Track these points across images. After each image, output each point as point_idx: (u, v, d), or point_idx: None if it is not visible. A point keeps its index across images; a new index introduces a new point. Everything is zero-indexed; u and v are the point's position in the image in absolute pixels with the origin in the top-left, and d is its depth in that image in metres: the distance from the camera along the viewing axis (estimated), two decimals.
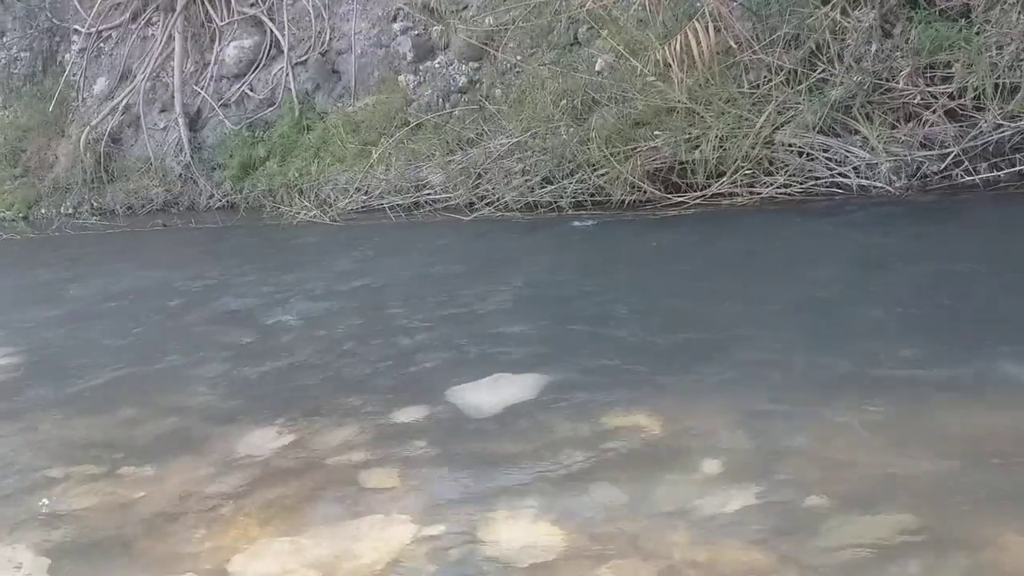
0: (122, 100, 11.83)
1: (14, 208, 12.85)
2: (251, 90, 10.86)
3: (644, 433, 3.18)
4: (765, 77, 6.44)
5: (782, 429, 3.05)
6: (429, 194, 8.29)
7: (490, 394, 3.69)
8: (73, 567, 2.87)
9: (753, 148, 6.29)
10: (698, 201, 6.50)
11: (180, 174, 10.95)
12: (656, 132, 6.76)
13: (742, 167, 6.34)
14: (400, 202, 8.40)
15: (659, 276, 5.33)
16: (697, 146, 6.52)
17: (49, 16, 13.34)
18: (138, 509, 3.15)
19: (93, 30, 12.61)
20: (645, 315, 4.57)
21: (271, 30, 10.78)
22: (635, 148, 6.79)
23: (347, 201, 8.84)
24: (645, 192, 6.74)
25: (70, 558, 2.91)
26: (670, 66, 6.53)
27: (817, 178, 6.19)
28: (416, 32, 9.64)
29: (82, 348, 5.45)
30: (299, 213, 8.94)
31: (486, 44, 8.75)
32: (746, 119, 6.36)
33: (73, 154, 11.99)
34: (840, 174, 6.12)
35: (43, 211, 12.38)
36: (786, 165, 6.28)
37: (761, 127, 6.28)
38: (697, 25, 6.35)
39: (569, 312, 4.80)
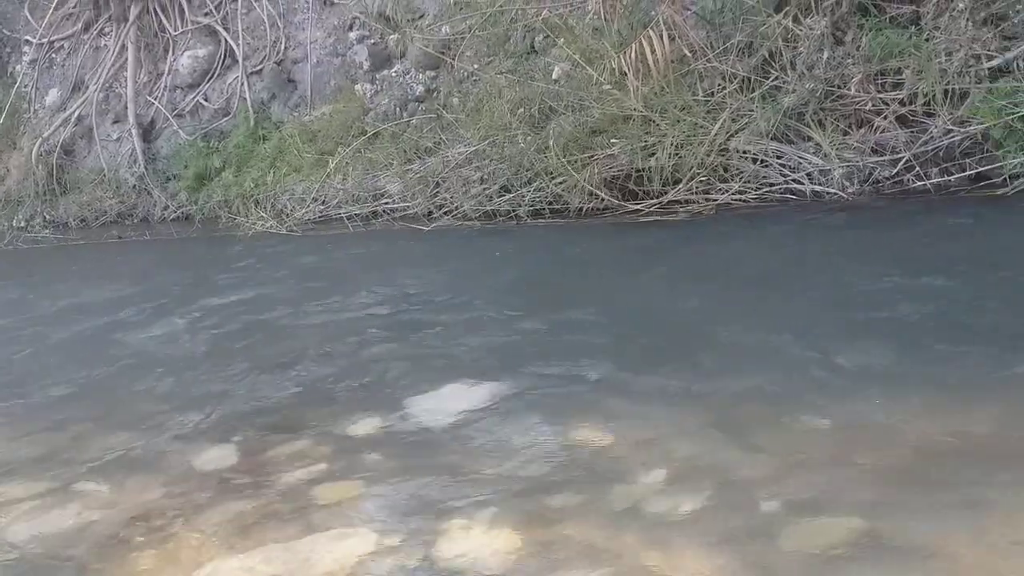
0: (74, 111, 11.67)
1: None
2: (206, 100, 10.76)
3: (599, 442, 3.18)
4: (719, 85, 6.48)
5: (737, 435, 3.05)
6: (387, 203, 8.25)
7: (446, 404, 3.67)
8: None
9: (708, 155, 6.32)
10: (655, 208, 6.52)
11: (134, 185, 10.81)
12: (613, 140, 6.76)
13: (698, 174, 6.36)
14: (358, 211, 8.34)
15: (616, 284, 5.33)
16: (653, 154, 6.53)
17: None
18: (90, 530, 3.10)
19: (44, 40, 12.43)
20: (603, 323, 4.56)
21: (225, 39, 10.69)
22: (592, 156, 6.80)
23: (304, 211, 8.77)
24: (603, 200, 6.74)
25: None
26: (625, 74, 6.54)
27: (772, 184, 6.23)
28: (372, 41, 9.61)
29: (32, 363, 5.37)
30: (255, 224, 8.86)
31: (443, 53, 8.73)
32: (701, 127, 6.39)
33: (25, 166, 11.80)
34: (794, 180, 6.17)
35: None
36: (741, 172, 6.31)
37: (716, 134, 6.31)
38: (652, 33, 6.36)
39: (525, 321, 4.78)
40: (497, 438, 3.31)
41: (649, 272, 5.47)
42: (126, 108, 11.15)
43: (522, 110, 7.46)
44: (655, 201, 6.54)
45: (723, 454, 2.95)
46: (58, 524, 3.19)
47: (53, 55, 12.68)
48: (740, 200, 6.26)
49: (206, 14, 10.91)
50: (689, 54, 6.55)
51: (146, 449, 3.76)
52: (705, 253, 5.66)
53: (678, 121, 6.47)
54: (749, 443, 3.00)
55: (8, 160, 12.31)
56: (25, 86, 12.80)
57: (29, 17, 12.66)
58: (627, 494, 2.78)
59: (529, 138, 7.24)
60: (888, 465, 2.73)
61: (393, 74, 9.32)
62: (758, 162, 6.29)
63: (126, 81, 11.26)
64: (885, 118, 5.90)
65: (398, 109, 8.97)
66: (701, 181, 6.37)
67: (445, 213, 7.60)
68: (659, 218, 6.46)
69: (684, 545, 2.48)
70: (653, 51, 6.33)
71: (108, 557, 2.92)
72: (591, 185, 6.72)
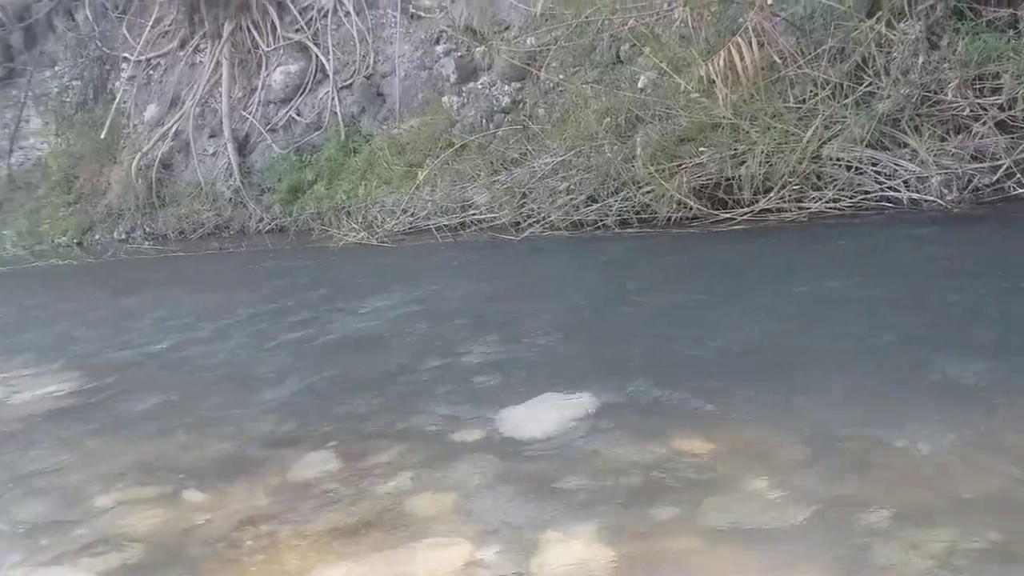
0: (172, 126, 12.07)
1: (68, 234, 13.16)
2: (298, 114, 11.03)
3: (700, 454, 3.16)
4: (811, 91, 6.41)
5: (842, 448, 3.01)
6: (475, 214, 8.35)
7: (542, 414, 3.68)
8: None
9: (800, 163, 6.25)
10: (746, 217, 6.47)
11: (230, 198, 11.15)
12: (701, 148, 6.75)
13: (789, 182, 6.31)
14: (446, 222, 8.46)
15: (710, 294, 5.29)
16: (743, 162, 6.49)
17: (99, 45, 13.65)
18: (199, 533, 3.18)
19: (142, 58, 12.90)
20: (697, 334, 4.52)
21: (316, 55, 10.95)
22: (680, 165, 6.79)
23: (394, 222, 8.92)
24: (691, 209, 6.72)
25: None
26: (714, 82, 6.52)
27: (867, 192, 6.14)
28: (459, 54, 9.74)
29: (138, 373, 5.52)
30: (347, 235, 9.04)
31: (528, 64, 8.80)
32: (792, 134, 6.33)
33: (125, 180, 12.25)
34: (890, 188, 6.06)
35: (97, 237, 12.66)
36: (834, 179, 6.24)
37: (808, 141, 6.25)
38: (740, 40, 6.34)
39: (619, 331, 4.80)
40: (593, 448, 3.31)
41: (742, 281, 5.42)
42: (221, 123, 11.49)
43: (608, 120, 7.48)
44: (746, 210, 6.50)
45: (827, 466, 2.91)
46: (169, 527, 3.27)
47: (151, 72, 13.13)
48: (834, 208, 6.18)
49: (297, 30, 11.19)
50: (779, 60, 6.49)
51: (247, 456, 3.84)
52: (800, 261, 5.59)
53: (769, 128, 6.42)
54: (854, 455, 2.95)
55: (110, 174, 12.78)
56: (124, 102, 13.28)
57: (127, 36, 13.15)
58: (728, 507, 2.76)
59: (616, 147, 7.25)
60: (994, 486, 2.67)
61: (479, 86, 9.42)
62: (852, 169, 6.21)
63: (221, 96, 11.61)
64: (984, 124, 5.76)
65: (484, 121, 9.06)
66: (793, 189, 6.31)
67: (533, 223, 7.65)
68: (750, 227, 6.41)
69: (789, 561, 2.45)
70: (742, 58, 6.30)
71: (218, 560, 2.99)
72: (680, 194, 6.70)
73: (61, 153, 14.01)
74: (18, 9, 14.63)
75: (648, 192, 6.90)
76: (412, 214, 8.89)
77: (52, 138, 14.49)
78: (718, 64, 6.41)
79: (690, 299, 5.25)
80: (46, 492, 3.74)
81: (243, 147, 11.41)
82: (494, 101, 9.13)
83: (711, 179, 6.72)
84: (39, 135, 14.78)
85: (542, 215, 7.61)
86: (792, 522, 2.61)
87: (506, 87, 9.11)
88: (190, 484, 3.60)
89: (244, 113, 11.52)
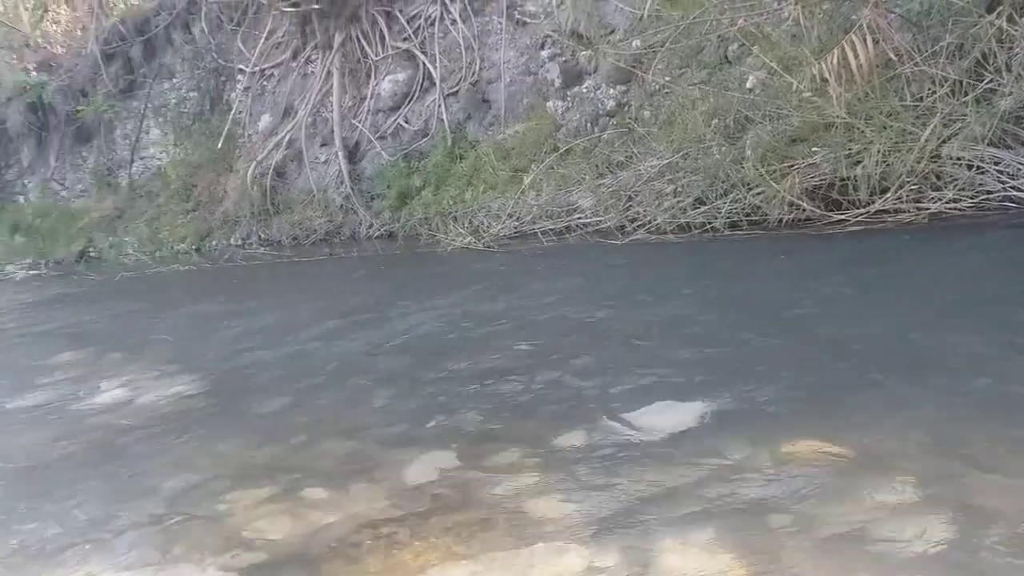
0: (285, 135, 12.39)
1: (187, 241, 13.64)
2: (406, 122, 11.21)
3: (821, 458, 3.11)
4: (928, 89, 6.22)
5: (967, 454, 2.92)
6: (580, 218, 8.35)
7: (656, 420, 3.67)
8: None
9: (918, 162, 6.07)
10: (861, 218, 6.32)
11: (341, 205, 11.39)
12: (814, 148, 6.61)
13: (907, 182, 6.13)
14: (552, 226, 8.49)
15: (825, 296, 5.19)
16: (859, 162, 6.34)
17: (215, 57, 14.11)
18: (320, 533, 3.25)
19: (256, 69, 13.28)
20: (814, 337, 4.46)
21: (423, 63, 11.11)
22: (792, 165, 6.66)
23: (500, 227, 8.98)
24: (804, 210, 6.59)
25: None
26: (827, 81, 6.38)
27: (989, 192, 5.93)
28: (564, 58, 9.75)
29: (257, 375, 5.69)
30: (454, 240, 9.15)
31: (634, 67, 8.76)
32: (910, 133, 6.15)
33: (241, 188, 12.62)
34: (1013, 187, 5.83)
35: (214, 243, 13.09)
36: (955, 179, 6.03)
37: (926, 140, 6.06)
38: (854, 38, 6.18)
39: (732, 334, 4.75)
40: (710, 454, 3.28)
41: (859, 283, 5.29)
42: (332, 131, 11.76)
43: (716, 121, 7.40)
44: (861, 211, 6.35)
45: (957, 475, 2.83)
46: (290, 526, 3.34)
47: (264, 83, 13.51)
48: (954, 209, 5.99)
49: (405, 39, 11.37)
50: (895, 58, 6.31)
51: (364, 458, 3.91)
52: (921, 264, 5.44)
53: (885, 127, 6.25)
54: (986, 464, 2.86)
55: (226, 182, 13.19)
56: (240, 113, 13.69)
57: (242, 48, 13.55)
58: (851, 515, 2.70)
59: (724, 149, 7.16)
60: None
61: (584, 90, 9.43)
62: (973, 169, 6.00)
63: (332, 106, 11.87)
64: None
65: (589, 124, 9.06)
66: (911, 189, 6.14)
67: (638, 227, 7.61)
68: (866, 229, 6.25)
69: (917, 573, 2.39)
70: (856, 56, 6.15)
71: (339, 559, 3.05)
72: (791, 195, 6.58)
73: (179, 162, 14.53)
74: (138, 23, 15.25)
75: (758, 194, 6.80)
76: (517, 218, 8.94)
77: (171, 148, 15.04)
78: (831, 62, 6.26)
79: (805, 302, 5.16)
80: (171, 491, 3.85)
81: (353, 155, 11.65)
82: (599, 104, 9.12)
83: (824, 180, 6.58)
84: (158, 145, 15.37)
85: (648, 218, 7.56)
86: (920, 534, 2.54)
87: (611, 90, 9.09)
88: (310, 484, 3.67)
89: (354, 121, 11.76)
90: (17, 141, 17.89)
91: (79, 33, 16.70)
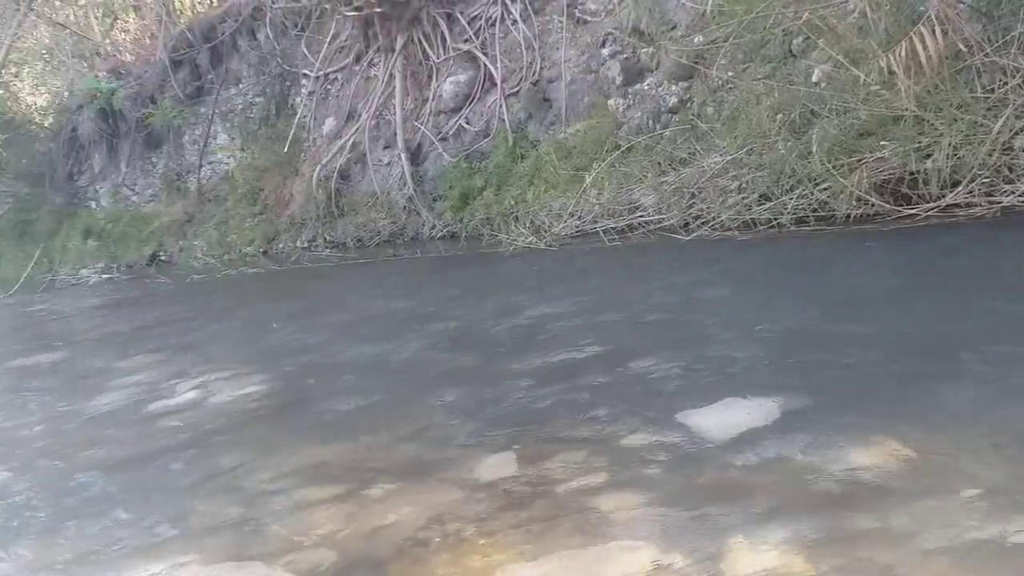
0: (349, 139, 12.55)
1: (255, 243, 13.88)
2: (467, 123, 11.27)
3: (893, 460, 3.04)
4: (1000, 80, 6.07)
5: None
6: (642, 216, 8.31)
7: (723, 419, 3.63)
8: None
9: (990, 155, 5.93)
10: (932, 213, 6.19)
11: (404, 206, 11.50)
12: (883, 142, 6.49)
13: (979, 175, 5.99)
14: (613, 225, 8.46)
15: (895, 294, 5.10)
16: (928, 155, 6.21)
17: (280, 62, 14.34)
18: (388, 532, 3.26)
19: (320, 73, 13.47)
20: (886, 335, 4.36)
21: (484, 64, 11.16)
22: (860, 160, 6.55)
23: (561, 226, 8.99)
24: (872, 205, 6.48)
25: None
26: (895, 73, 6.26)
27: None
28: (625, 56, 9.72)
29: (326, 375, 5.74)
30: (516, 240, 9.16)
31: (696, 62, 8.69)
32: (981, 125, 6.01)
33: (306, 191, 12.81)
34: None
35: (281, 245, 13.31)
36: None
37: (998, 132, 5.91)
38: (923, 29, 6.06)
39: (801, 335, 4.67)
40: (780, 453, 3.23)
41: (934, 279, 5.19)
42: (395, 134, 11.88)
43: (781, 116, 7.31)
44: (932, 205, 6.22)
45: None
46: (359, 525, 3.36)
47: (328, 86, 13.69)
48: None
49: (466, 40, 11.43)
50: (964, 49, 6.17)
51: (432, 456, 3.93)
52: (993, 260, 5.29)
53: (955, 120, 6.12)
54: None
55: (292, 186, 13.40)
56: (304, 116, 13.90)
57: (306, 52, 13.75)
58: (927, 516, 2.64)
59: (790, 144, 7.07)
60: None
61: (646, 87, 9.38)
62: None
63: (394, 108, 11.99)
64: None
65: (651, 122, 9.01)
66: (983, 183, 5.99)
67: (702, 224, 7.55)
68: (936, 223, 6.12)
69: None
70: (925, 47, 6.04)
71: (406, 558, 3.06)
72: (860, 190, 6.47)
73: (246, 166, 14.79)
74: (205, 30, 15.57)
75: (825, 189, 6.70)
76: (579, 217, 8.94)
77: (238, 152, 15.33)
78: (899, 55, 6.15)
79: (878, 298, 5.07)
80: (242, 490, 3.91)
81: (416, 156, 11.75)
82: (661, 101, 9.06)
83: (893, 174, 6.47)
84: (226, 150, 15.67)
85: (712, 215, 7.50)
86: (1004, 535, 2.48)
87: (673, 87, 9.03)
88: (378, 483, 3.69)
89: (416, 123, 11.86)
90: (89, 148, 18.40)
91: (148, 41, 17.13)
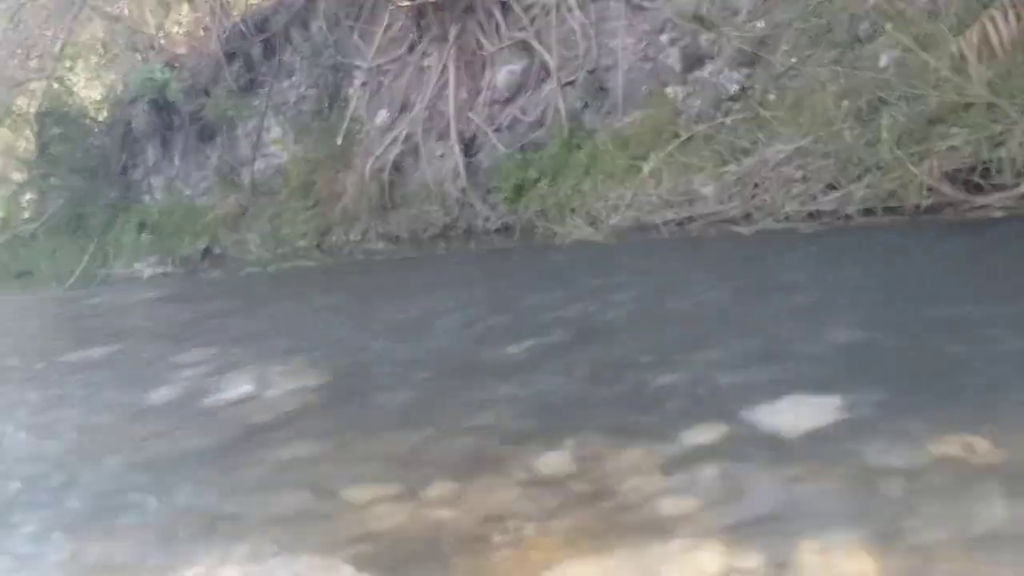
0: (402, 130, 12.49)
1: (308, 237, 13.91)
2: (522, 113, 11.14)
3: (972, 458, 2.90)
4: None
5: None
6: (702, 207, 8.13)
7: (790, 416, 3.49)
8: None
9: None
10: (1007, 202, 5.95)
11: (457, 199, 11.40)
12: (954, 129, 6.27)
13: None
14: (672, 216, 8.29)
15: (971, 286, 4.94)
16: (1001, 143, 5.98)
17: (333, 54, 14.33)
18: (446, 527, 3.20)
19: (373, 65, 13.43)
20: (959, 331, 4.18)
21: (539, 53, 11.02)
22: (930, 148, 6.32)
23: (618, 218, 8.83)
24: (943, 195, 6.25)
25: (386, 573, 2.99)
26: (966, 59, 6.07)
27: None
28: (684, 43, 9.51)
29: (381, 369, 5.72)
30: (571, 232, 9.04)
31: (758, 49, 8.49)
32: None
33: (359, 184, 12.78)
34: None
35: (334, 239, 13.30)
36: None
37: None
38: (995, 13, 5.86)
39: (869, 329, 4.49)
40: (848, 452, 3.08)
41: (1012, 273, 4.96)
42: (448, 125, 11.79)
43: (847, 103, 7.11)
44: (1006, 194, 5.97)
45: None
46: (417, 521, 3.31)
47: (381, 78, 13.65)
48: None
49: (521, 29, 11.31)
50: None
51: (490, 451, 3.85)
52: None
53: None
54: None
55: (345, 179, 13.37)
56: (357, 109, 13.88)
57: (359, 44, 13.73)
58: (1004, 520, 2.51)
59: (856, 132, 6.87)
60: None
61: (706, 74, 9.18)
62: None
63: (448, 99, 11.90)
64: None
65: (711, 110, 8.81)
66: None
67: (765, 215, 7.36)
68: (1011, 214, 5.90)
69: None
70: (997, 31, 5.85)
71: (465, 554, 3.00)
72: (930, 179, 6.24)
73: (299, 160, 14.83)
74: (258, 22, 15.65)
75: (894, 178, 6.48)
76: (636, 209, 8.77)
77: (291, 145, 15.38)
78: (971, 39, 5.97)
79: (951, 293, 4.90)
80: (299, 484, 3.87)
81: (469, 148, 11.65)
82: (722, 89, 8.85)
83: (965, 162, 6.23)
84: (279, 143, 15.73)
85: (775, 206, 7.31)
86: None
87: (734, 74, 8.81)
88: (436, 478, 3.62)
89: (470, 114, 11.76)
90: (143, 141, 18.64)
91: (201, 33, 17.26)
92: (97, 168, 19.32)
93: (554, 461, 3.58)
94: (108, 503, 4.05)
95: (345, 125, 13.53)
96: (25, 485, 4.49)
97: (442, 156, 11.91)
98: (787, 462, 3.15)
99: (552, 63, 10.73)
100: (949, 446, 3.00)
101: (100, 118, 20.08)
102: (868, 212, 6.66)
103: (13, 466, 4.84)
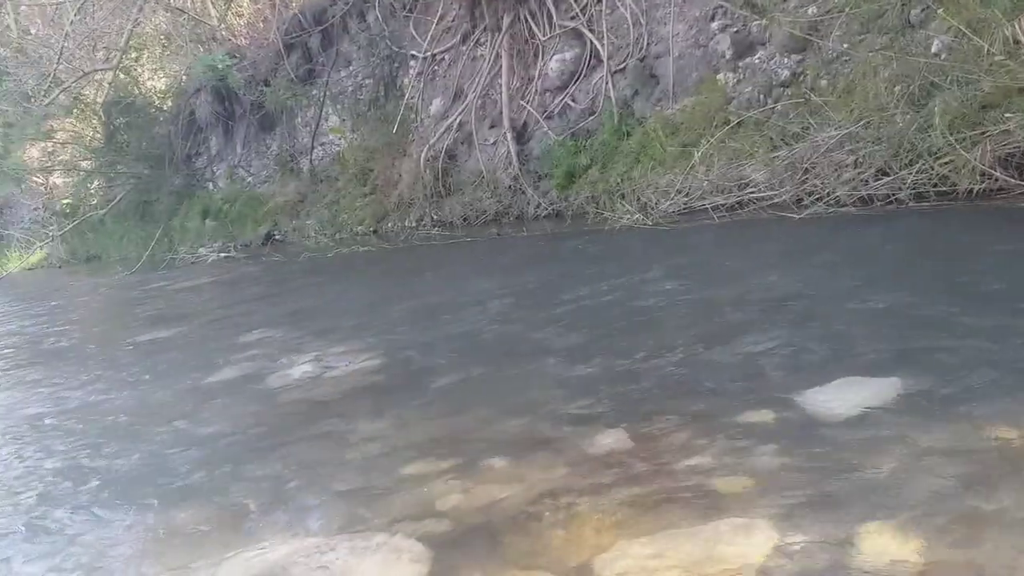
0: (456, 119, 12.65)
1: (365, 223, 14.16)
2: (573, 101, 11.23)
3: (1021, 445, 2.93)
4: None
5: None
6: (753, 192, 8.17)
7: (841, 398, 3.55)
8: (449, 557, 3.03)
9: None
10: None
11: (509, 186, 11.54)
12: (1007, 114, 6.24)
13: None
14: (722, 202, 8.34)
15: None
16: None
17: (389, 44, 14.52)
18: (501, 504, 3.30)
19: (428, 54, 13.59)
20: (1017, 314, 4.21)
21: (591, 41, 11.09)
22: (983, 133, 6.31)
23: (668, 203, 8.91)
24: (996, 180, 6.23)
25: (445, 548, 3.08)
26: (1020, 43, 6.02)
27: None
28: (735, 29, 9.53)
29: (437, 351, 5.85)
30: (622, 218, 9.13)
31: (810, 34, 8.47)
32: None
33: (414, 171, 12.98)
34: None
35: (390, 225, 13.54)
36: None
37: None
38: None
39: (926, 315, 4.53)
40: (901, 435, 3.14)
41: None
42: (501, 113, 11.92)
43: (899, 88, 7.09)
44: None
45: None
46: (472, 498, 3.41)
47: (435, 67, 13.82)
48: None
49: (572, 18, 11.38)
50: None
51: (543, 432, 3.95)
52: None
53: None
54: None
55: (400, 166, 13.60)
56: (412, 97, 14.07)
57: (414, 34, 13.89)
58: None
59: (908, 117, 6.86)
60: None
61: (756, 60, 9.19)
62: None
63: (501, 87, 12.02)
64: None
65: (762, 96, 8.84)
66: None
67: (816, 200, 7.39)
68: None
69: None
70: None
71: (519, 530, 3.09)
72: (983, 164, 6.23)
73: (357, 147, 15.07)
74: (316, 13, 15.89)
75: (946, 163, 6.47)
76: (686, 194, 8.84)
77: (348, 134, 15.62)
78: None
79: (1010, 278, 4.87)
80: (358, 461, 4.01)
81: (521, 135, 11.77)
82: (772, 75, 8.87)
83: (1018, 147, 6.21)
84: (336, 131, 15.99)
85: (826, 191, 7.33)
86: None
87: (785, 60, 8.83)
88: (490, 456, 3.73)
89: (522, 102, 11.88)
90: (207, 130, 19.04)
91: (261, 25, 17.55)
92: (162, 156, 19.76)
93: (608, 440, 3.67)
94: (174, 478, 4.22)
95: (400, 114, 13.71)
96: (94, 455, 4.71)
97: (494, 144, 12.04)
98: (840, 442, 3.22)
99: (603, 51, 10.81)
100: (1005, 428, 3.05)
101: (165, 107, 20.53)
102: (920, 197, 6.67)
103: (85, 439, 5.05)
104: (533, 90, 11.79)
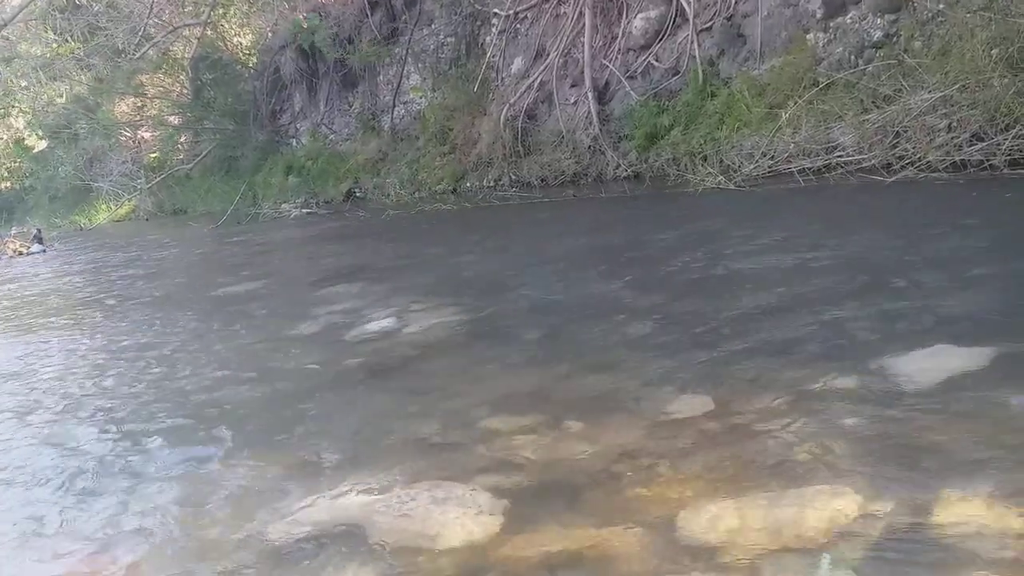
0: (536, 78, 12.58)
1: (444, 182, 14.25)
2: (656, 60, 11.09)
3: None
4: None
5: None
6: (840, 156, 8.00)
7: (929, 366, 3.48)
8: (527, 509, 3.05)
9: None
10: None
11: (589, 146, 11.47)
12: None
13: None
14: (809, 165, 8.19)
15: None
16: None
17: (471, 2, 14.48)
18: (580, 462, 3.31)
19: (511, 12, 13.52)
20: None
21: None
22: None
23: (752, 166, 8.77)
24: None
25: (523, 502, 3.10)
26: None
27: None
28: None
29: (517, 308, 5.90)
30: (704, 180, 9.02)
31: None
32: None
33: (494, 131, 12.98)
34: None
35: (469, 184, 13.60)
36: None
37: None
38: None
39: (1012, 281, 4.42)
40: (991, 402, 3.08)
41: None
42: (582, 72, 11.82)
43: (998, 50, 6.85)
44: None
45: None
46: (552, 454, 3.43)
47: (518, 26, 13.75)
48: None
49: None
50: None
51: (624, 392, 3.95)
52: None
53: None
54: None
55: (480, 125, 13.61)
56: (493, 56, 14.03)
57: None
58: None
59: (1006, 81, 6.63)
60: None
61: (848, 20, 8.96)
62: None
63: (583, 46, 11.92)
64: None
65: (853, 57, 8.62)
66: None
67: (906, 164, 7.20)
68: None
69: None
70: None
71: (598, 488, 3.10)
72: None
73: (437, 106, 15.12)
74: None
75: None
76: (772, 157, 8.69)
77: (429, 93, 15.67)
78: None
79: None
80: (438, 416, 4.06)
81: (602, 95, 11.67)
82: (864, 35, 8.64)
83: None
84: (418, 90, 16.06)
85: (918, 156, 7.14)
86: None
87: (878, 20, 8.58)
88: (570, 415, 3.75)
89: (604, 61, 11.76)
90: (291, 88, 19.28)
91: None
92: (247, 112, 20.11)
93: (688, 403, 3.65)
94: (255, 427, 4.35)
95: (481, 73, 13.69)
96: (177, 407, 4.82)
97: (575, 103, 11.97)
98: (927, 410, 3.17)
99: (689, 9, 10.63)
100: None
101: (250, 64, 20.84)
102: (1015, 164, 6.46)
103: (169, 394, 5.15)
104: (616, 49, 11.66)
